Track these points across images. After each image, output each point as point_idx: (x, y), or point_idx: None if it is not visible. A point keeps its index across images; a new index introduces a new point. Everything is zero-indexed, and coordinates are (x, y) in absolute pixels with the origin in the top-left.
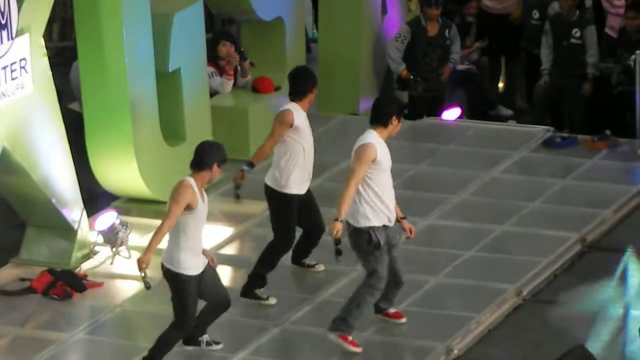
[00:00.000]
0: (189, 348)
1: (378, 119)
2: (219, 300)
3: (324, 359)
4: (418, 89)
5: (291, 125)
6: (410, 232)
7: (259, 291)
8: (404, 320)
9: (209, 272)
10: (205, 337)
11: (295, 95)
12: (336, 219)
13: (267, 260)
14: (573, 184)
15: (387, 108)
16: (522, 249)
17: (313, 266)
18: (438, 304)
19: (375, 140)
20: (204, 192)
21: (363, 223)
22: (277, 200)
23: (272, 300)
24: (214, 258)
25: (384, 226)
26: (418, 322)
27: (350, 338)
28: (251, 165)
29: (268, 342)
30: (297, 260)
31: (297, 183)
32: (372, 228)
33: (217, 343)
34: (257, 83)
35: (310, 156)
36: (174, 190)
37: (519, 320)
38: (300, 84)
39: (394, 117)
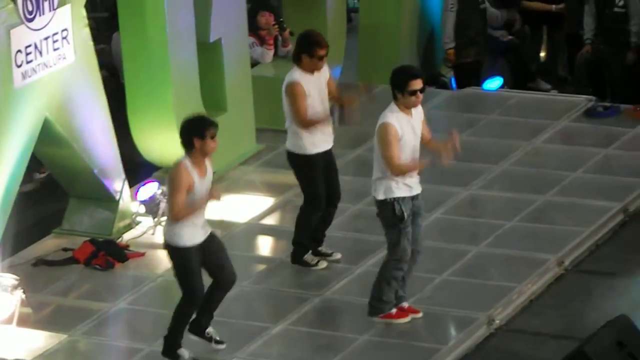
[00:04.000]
0: (194, 337)
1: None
2: (224, 277)
3: (365, 329)
4: (471, 54)
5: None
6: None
7: (307, 257)
8: (420, 315)
9: (214, 244)
10: (211, 331)
11: (294, 58)
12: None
13: (302, 225)
14: (615, 153)
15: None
16: (564, 219)
17: (330, 254)
18: (479, 274)
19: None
20: (205, 166)
21: (387, 195)
22: (299, 163)
23: (323, 264)
24: (216, 194)
25: (410, 197)
26: (459, 292)
27: (393, 311)
28: None
29: (309, 312)
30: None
31: (315, 143)
32: (397, 199)
33: (221, 342)
34: None
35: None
36: (170, 175)
37: (561, 291)
38: (296, 47)
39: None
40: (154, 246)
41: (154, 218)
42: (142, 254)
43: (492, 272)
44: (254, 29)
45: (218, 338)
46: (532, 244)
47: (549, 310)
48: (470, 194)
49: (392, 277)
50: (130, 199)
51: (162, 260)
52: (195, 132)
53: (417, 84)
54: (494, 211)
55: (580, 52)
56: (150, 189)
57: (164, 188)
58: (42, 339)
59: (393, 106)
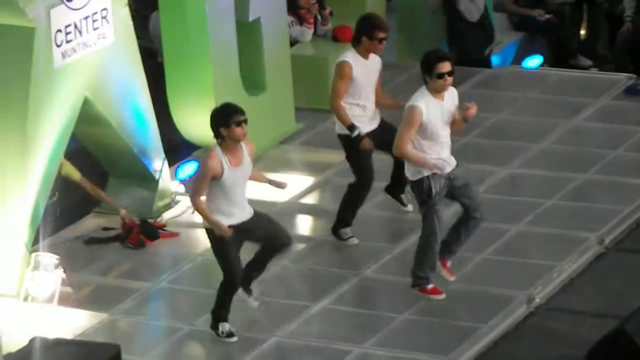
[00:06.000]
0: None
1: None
2: (278, 243)
3: (405, 308)
4: None
5: (350, 78)
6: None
7: (342, 231)
8: (453, 278)
9: (258, 220)
10: (253, 289)
11: (354, 41)
12: None
13: (349, 201)
14: None
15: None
16: (604, 197)
17: (405, 205)
18: (519, 253)
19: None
20: (241, 154)
21: (416, 176)
22: (349, 144)
23: (354, 241)
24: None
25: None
26: (499, 271)
27: (429, 287)
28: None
29: (348, 291)
30: (393, 191)
31: (361, 124)
32: (427, 177)
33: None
34: (337, 31)
35: (365, 97)
36: (201, 160)
37: (601, 269)
38: (359, 30)
39: None
40: (193, 225)
41: None
42: (177, 234)
43: (532, 251)
44: (293, 7)
45: (256, 295)
46: (572, 222)
47: (589, 289)
48: (510, 173)
49: (422, 247)
50: (170, 178)
51: (202, 239)
52: (219, 122)
53: (445, 66)
54: (534, 189)
55: (621, 30)
56: (190, 168)
57: None
58: (82, 318)
59: (424, 89)
